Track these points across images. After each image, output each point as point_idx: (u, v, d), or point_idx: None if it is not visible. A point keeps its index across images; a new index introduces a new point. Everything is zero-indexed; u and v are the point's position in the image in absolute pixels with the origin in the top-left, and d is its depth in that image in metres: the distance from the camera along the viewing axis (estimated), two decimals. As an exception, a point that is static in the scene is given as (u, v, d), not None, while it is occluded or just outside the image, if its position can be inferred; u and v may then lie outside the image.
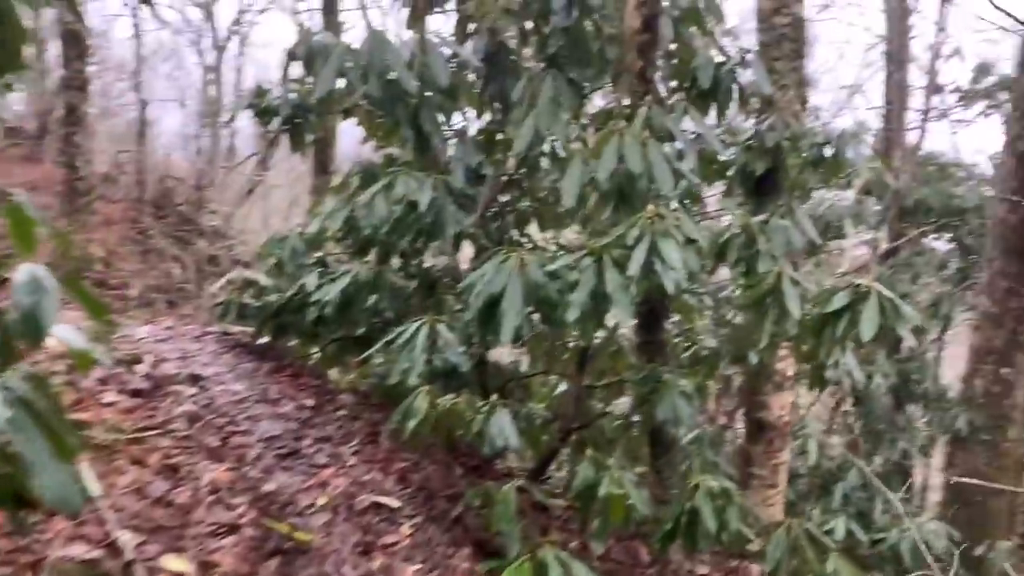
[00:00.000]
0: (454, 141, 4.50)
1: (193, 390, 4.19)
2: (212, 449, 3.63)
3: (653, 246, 3.11)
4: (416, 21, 4.15)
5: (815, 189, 4.31)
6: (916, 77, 11.47)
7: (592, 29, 4.00)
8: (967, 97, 10.58)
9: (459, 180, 4.26)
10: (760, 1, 4.62)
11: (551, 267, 3.26)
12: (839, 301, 3.54)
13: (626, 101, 4.38)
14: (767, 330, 3.61)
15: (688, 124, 3.99)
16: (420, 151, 3.86)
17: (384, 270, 4.56)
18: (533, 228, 5.23)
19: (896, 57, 10.92)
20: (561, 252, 4.33)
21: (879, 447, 7.98)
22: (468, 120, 4.85)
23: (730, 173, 4.57)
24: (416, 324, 3.80)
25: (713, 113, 4.30)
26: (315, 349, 5.04)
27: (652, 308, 4.06)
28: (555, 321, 3.30)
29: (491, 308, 3.39)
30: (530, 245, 4.95)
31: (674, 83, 4.26)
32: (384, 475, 3.82)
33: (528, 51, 4.32)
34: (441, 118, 4.05)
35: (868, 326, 3.43)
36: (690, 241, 3.17)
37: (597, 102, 4.63)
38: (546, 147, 3.99)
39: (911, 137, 10.96)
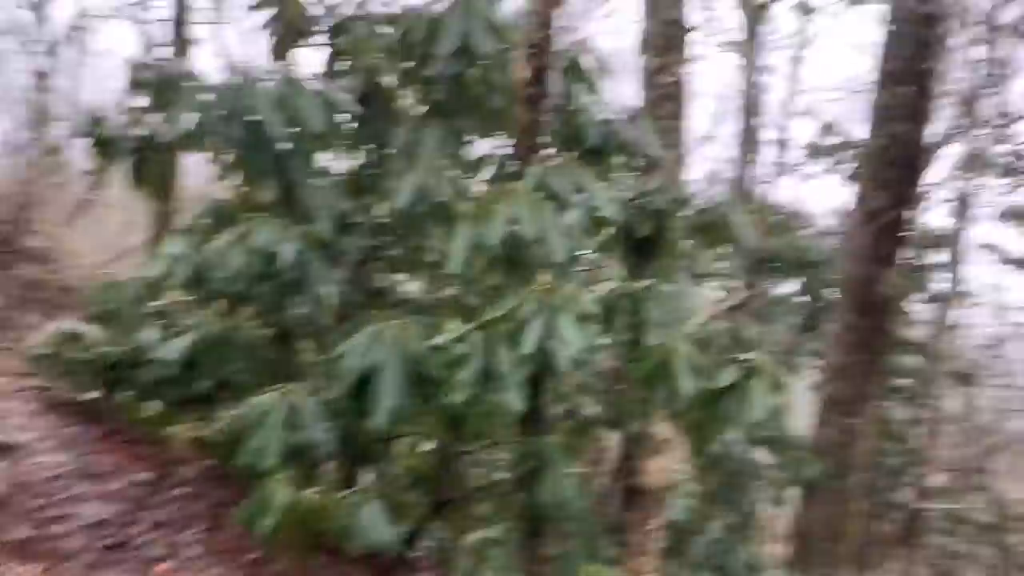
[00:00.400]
0: (322, 184, 4.10)
1: (1, 464, 3.57)
2: (22, 543, 3.05)
3: (549, 321, 2.85)
4: (283, 52, 3.75)
5: (699, 254, 4.20)
6: (767, 131, 11.97)
7: (478, 77, 3.74)
8: (813, 153, 11.13)
9: (326, 229, 3.87)
10: (646, 59, 4.52)
11: (435, 340, 2.94)
12: (727, 377, 3.42)
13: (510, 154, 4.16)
14: (655, 405, 3.44)
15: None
16: (285, 198, 3.45)
17: (237, 324, 4.08)
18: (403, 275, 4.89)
19: (748, 110, 11.37)
20: (442, 316, 4.03)
21: (735, 497, 8.07)
22: (338, 163, 4.48)
23: (611, 232, 4.41)
24: (272, 394, 3.36)
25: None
26: (154, 411, 4.45)
27: (534, 375, 3.80)
28: (438, 401, 2.97)
29: (365, 383, 3.03)
30: (403, 298, 4.61)
31: (559, 140, 4.05)
32: (231, 569, 3.34)
33: (408, 95, 4.01)
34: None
35: (759, 406, 3.31)
36: (585, 316, 2.94)
37: (480, 151, 4.37)
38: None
39: (762, 189, 11.40)
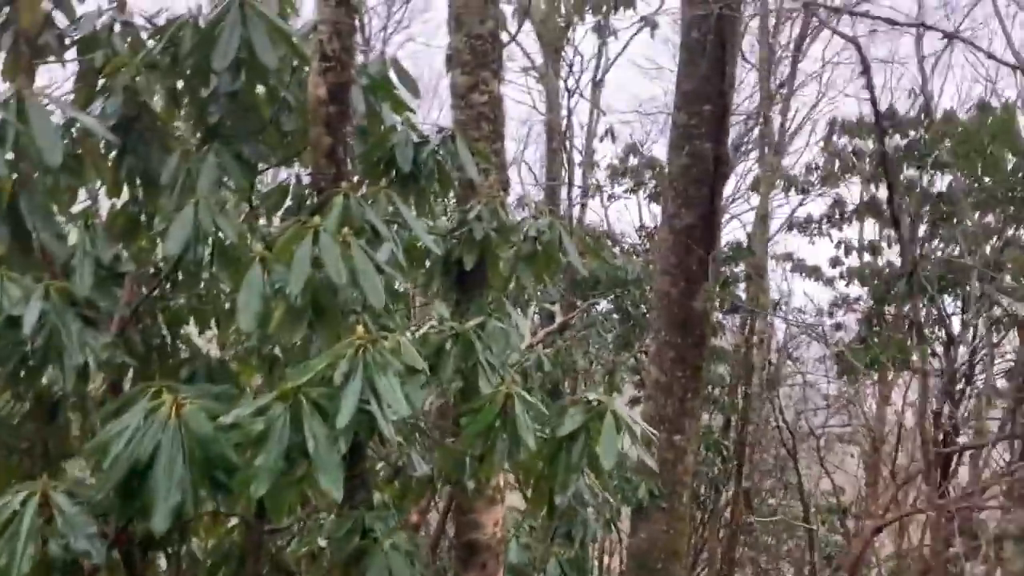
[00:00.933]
0: (76, 229, 3.38)
1: None
2: None
3: (369, 383, 2.36)
4: (15, 72, 3.03)
5: (527, 283, 3.86)
6: (572, 154, 12.06)
7: (265, 95, 3.19)
8: (616, 174, 11.29)
9: (84, 284, 3.16)
10: (454, 75, 4.14)
11: (225, 418, 2.36)
12: (572, 423, 3.06)
13: (307, 181, 3.63)
14: (496, 461, 3.02)
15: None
16: (21, 251, 2.74)
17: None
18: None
19: (556, 133, 11.38)
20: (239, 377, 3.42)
21: (571, 530, 7.83)
22: (96, 203, 3.76)
23: (430, 266, 3.98)
24: (21, 495, 2.63)
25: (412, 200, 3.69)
26: None
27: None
28: (231, 492, 2.39)
29: (139, 476, 2.40)
30: (191, 355, 3.93)
31: (365, 166, 3.58)
32: None
33: (180, 118, 3.38)
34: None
35: (608, 452, 2.98)
36: (412, 371, 2.47)
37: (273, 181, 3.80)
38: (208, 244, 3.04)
39: (570, 211, 11.44)
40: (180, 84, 3.25)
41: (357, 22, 3.25)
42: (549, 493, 3.46)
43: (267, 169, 3.54)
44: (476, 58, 4.08)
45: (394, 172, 3.57)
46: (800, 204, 10.77)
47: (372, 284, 2.64)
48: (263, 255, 2.55)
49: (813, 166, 10.35)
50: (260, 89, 3.20)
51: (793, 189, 10.65)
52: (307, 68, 3.24)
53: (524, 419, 2.93)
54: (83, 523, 2.64)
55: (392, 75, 3.74)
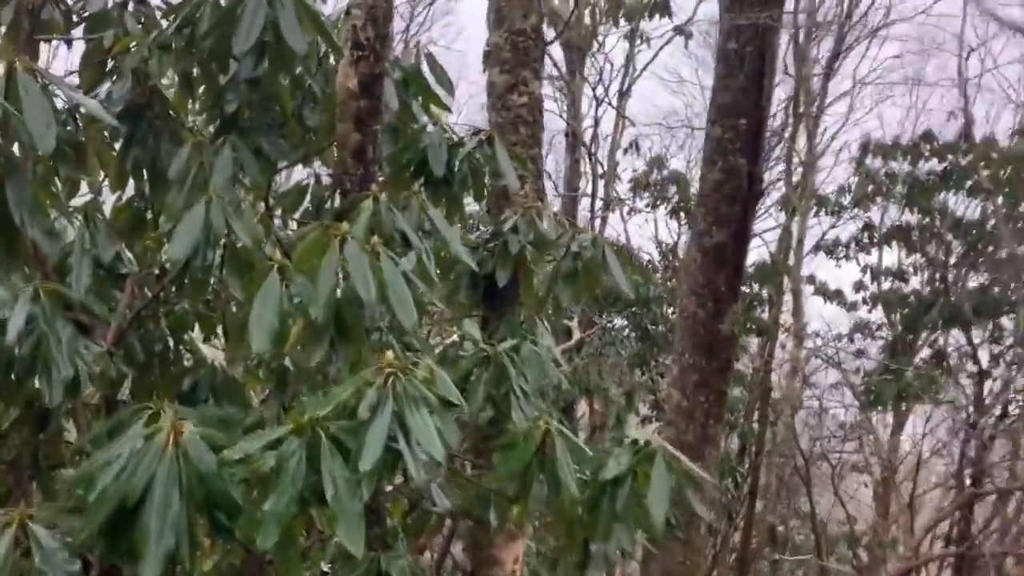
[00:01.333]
0: (75, 224, 3.07)
1: None
2: None
3: (398, 419, 2.03)
4: (12, 50, 2.72)
5: (565, 306, 3.53)
6: (594, 165, 11.73)
7: (288, 84, 2.87)
8: (639, 187, 10.96)
9: (80, 286, 2.84)
10: (492, 74, 3.82)
11: (231, 452, 2.03)
12: (617, 466, 2.73)
13: (327, 182, 3.32)
14: (531, 505, 2.69)
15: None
16: (7, 248, 2.42)
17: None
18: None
19: (579, 143, 11.07)
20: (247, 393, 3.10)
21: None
22: (100, 195, 3.45)
23: (458, 279, 3.66)
24: (-5, 522, 2.31)
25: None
26: None
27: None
28: (233, 536, 2.06)
29: (127, 514, 2.07)
30: (194, 364, 3.62)
31: (394, 167, 3.26)
32: None
33: (193, 107, 3.07)
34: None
35: (659, 501, 2.64)
36: (449, 405, 2.14)
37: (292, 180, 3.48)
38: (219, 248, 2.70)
39: (594, 224, 11.12)
40: (195, 70, 2.93)
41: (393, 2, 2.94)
42: (589, 544, 3.13)
43: (286, 167, 3.22)
44: (517, 56, 3.77)
45: (425, 176, 3.26)
46: (832, 227, 10.43)
47: (403, 301, 2.31)
48: (281, 264, 2.22)
49: (846, 187, 10.00)
50: (282, 79, 2.87)
51: (824, 210, 10.30)
52: (332, 58, 2.93)
53: (565, 460, 2.60)
54: (63, 561, 2.31)
55: (425, 68, 3.43)
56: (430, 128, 3.29)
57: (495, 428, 2.97)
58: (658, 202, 10.88)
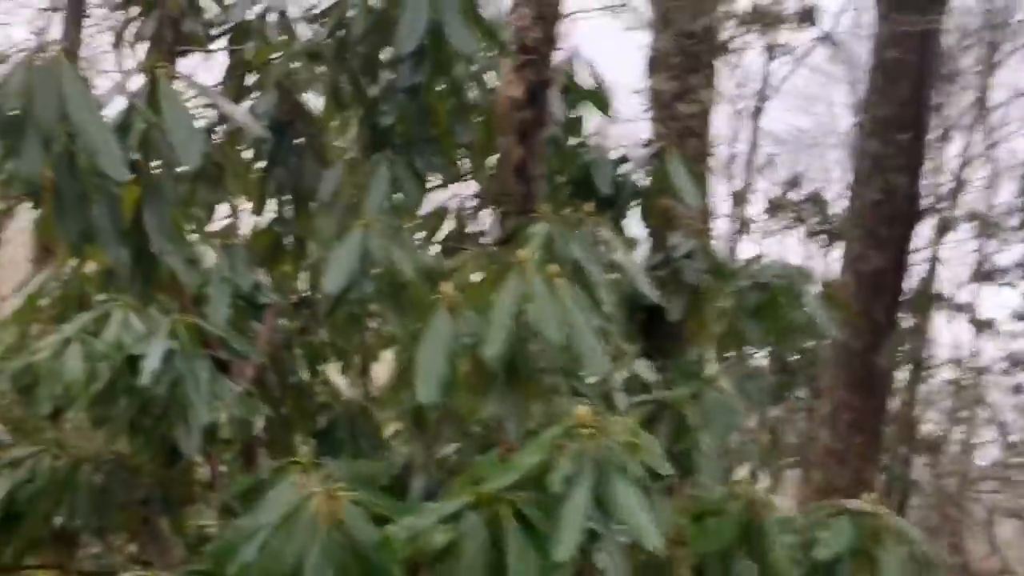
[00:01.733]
0: (211, 250, 2.84)
1: None
2: None
3: (598, 490, 1.64)
4: (157, 61, 2.49)
5: (749, 345, 3.09)
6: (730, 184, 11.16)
7: (447, 93, 2.55)
8: (777, 208, 10.31)
9: (219, 318, 2.59)
10: (657, 81, 3.43)
11: (398, 530, 1.68)
12: (837, 542, 2.25)
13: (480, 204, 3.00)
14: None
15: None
16: (143, 277, 2.17)
17: (85, 456, 2.76)
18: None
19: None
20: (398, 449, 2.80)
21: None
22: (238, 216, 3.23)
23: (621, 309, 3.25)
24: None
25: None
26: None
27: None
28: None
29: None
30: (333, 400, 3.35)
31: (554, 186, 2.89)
32: None
33: (343, 120, 2.80)
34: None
35: (895, 591, 2.15)
36: (656, 476, 1.74)
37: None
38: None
39: (729, 246, 10.52)
40: (344, 79, 2.65)
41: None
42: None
43: (436, 187, 2.91)
44: (686, 61, 3.36)
45: (591, 194, 2.88)
46: (998, 251, 9.53)
47: (590, 346, 1.93)
48: (453, 300, 1.88)
49: (1018, 208, 9.11)
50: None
51: (984, 232, 9.42)
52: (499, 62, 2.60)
53: (776, 538, 2.15)
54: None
55: (586, 75, 3.07)
56: (594, 141, 2.92)
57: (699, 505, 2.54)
58: (795, 224, 10.22)
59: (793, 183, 10.16)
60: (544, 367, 1.98)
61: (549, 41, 2.54)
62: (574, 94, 2.91)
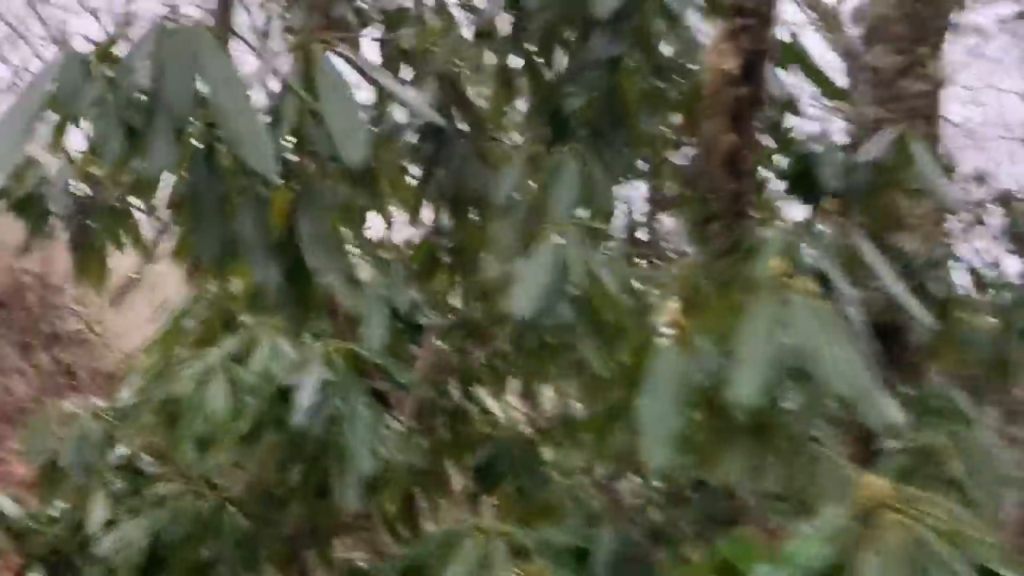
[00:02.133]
0: (366, 265, 2.51)
1: None
2: None
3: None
4: (305, 48, 2.17)
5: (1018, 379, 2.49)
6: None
7: (649, 67, 2.10)
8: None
9: (376, 343, 2.25)
10: (875, 55, 2.86)
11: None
12: None
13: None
14: None
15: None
16: (300, 299, 1.83)
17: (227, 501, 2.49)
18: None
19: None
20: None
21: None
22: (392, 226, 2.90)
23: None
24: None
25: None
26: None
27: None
28: None
29: None
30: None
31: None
32: None
33: (510, 110, 2.41)
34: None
35: None
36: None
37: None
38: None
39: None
40: (519, 62, 2.25)
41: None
42: None
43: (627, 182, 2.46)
44: (914, 30, 2.79)
45: (807, 191, 2.37)
46: None
47: (870, 388, 1.44)
48: (681, 328, 1.43)
49: None
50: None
51: None
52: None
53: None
54: None
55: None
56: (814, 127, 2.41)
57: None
58: (977, 224, 9.17)
59: (979, 179, 9.12)
60: (801, 414, 1.50)
61: (770, 2, 2.06)
62: (789, 69, 2.41)
